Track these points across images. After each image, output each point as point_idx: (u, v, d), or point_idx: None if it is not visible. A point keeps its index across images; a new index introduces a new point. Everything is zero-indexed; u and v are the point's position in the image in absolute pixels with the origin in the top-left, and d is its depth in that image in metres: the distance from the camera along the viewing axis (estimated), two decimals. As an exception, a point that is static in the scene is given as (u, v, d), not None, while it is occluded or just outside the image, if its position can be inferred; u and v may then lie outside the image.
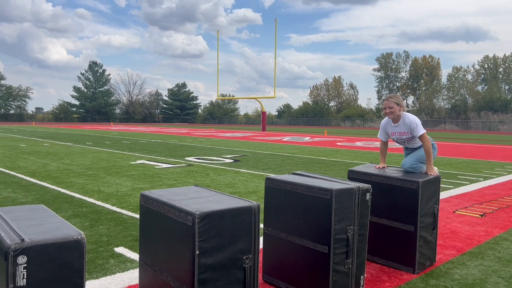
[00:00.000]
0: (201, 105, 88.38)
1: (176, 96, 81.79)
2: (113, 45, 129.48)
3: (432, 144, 3.86)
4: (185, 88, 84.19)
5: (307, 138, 24.55)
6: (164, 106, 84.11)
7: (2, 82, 71.88)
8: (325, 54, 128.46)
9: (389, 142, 4.20)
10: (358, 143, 20.33)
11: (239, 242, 2.19)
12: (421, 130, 3.73)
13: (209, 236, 2.08)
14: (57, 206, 5.61)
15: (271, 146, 17.80)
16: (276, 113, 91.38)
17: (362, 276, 2.95)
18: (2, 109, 71.58)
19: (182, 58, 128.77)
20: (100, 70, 77.88)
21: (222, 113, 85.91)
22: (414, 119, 3.77)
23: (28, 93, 74.22)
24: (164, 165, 10.19)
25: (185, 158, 11.90)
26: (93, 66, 77.74)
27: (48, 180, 7.70)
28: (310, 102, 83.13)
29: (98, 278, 3.25)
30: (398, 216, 3.51)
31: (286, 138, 24.36)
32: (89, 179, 7.90)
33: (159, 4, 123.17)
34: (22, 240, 1.52)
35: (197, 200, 2.30)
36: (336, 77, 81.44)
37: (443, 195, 6.72)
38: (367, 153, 14.63)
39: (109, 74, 79.36)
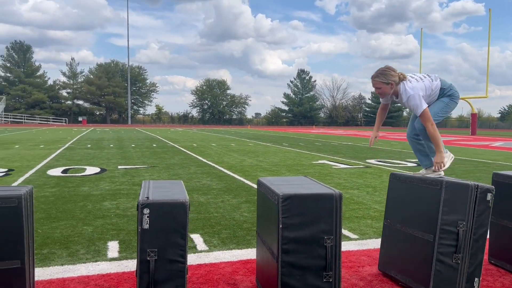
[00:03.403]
0: (406, 108, 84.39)
1: (379, 99, 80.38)
2: (322, 52, 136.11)
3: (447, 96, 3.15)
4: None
5: (526, 144, 20.98)
6: (367, 109, 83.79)
7: (228, 91, 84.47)
8: None
9: None
10: None
11: (321, 223, 2.53)
12: (420, 108, 2.96)
13: (291, 214, 2.49)
14: (236, 193, 6.73)
15: (471, 151, 16.05)
16: (499, 115, 79.78)
17: (477, 279, 2.83)
18: (227, 115, 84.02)
19: (390, 60, 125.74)
20: (307, 77, 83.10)
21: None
22: (411, 98, 3.01)
23: (247, 100, 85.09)
24: (342, 166, 10.61)
25: (366, 160, 12.02)
26: (301, 73, 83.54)
27: (239, 173, 9.11)
28: (544, 101, 69.49)
29: (241, 249, 3.99)
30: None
31: (497, 144, 21.37)
32: (271, 174, 8.99)
33: (368, 7, 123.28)
34: (147, 198, 2.28)
35: (292, 186, 2.73)
36: None
37: None
38: None
39: (315, 81, 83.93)
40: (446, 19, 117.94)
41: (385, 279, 3.30)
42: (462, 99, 34.24)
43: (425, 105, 3.07)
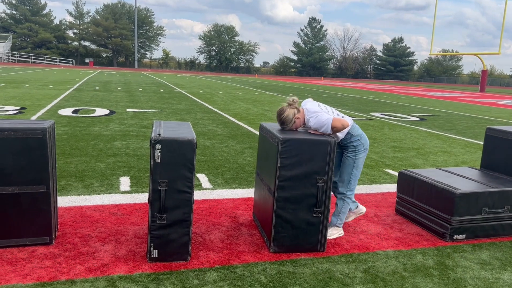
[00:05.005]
0: (417, 62, 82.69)
1: (391, 52, 78.72)
2: (336, 0, 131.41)
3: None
4: (402, 43, 79.96)
5: (533, 103, 20.89)
6: (377, 62, 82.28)
7: (236, 38, 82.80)
8: None
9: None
10: None
11: (314, 165, 2.79)
12: (328, 121, 2.89)
13: (289, 155, 2.75)
14: (240, 139, 7.01)
15: (476, 108, 16.11)
16: (511, 72, 78.30)
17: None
18: (235, 62, 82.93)
19: (405, 11, 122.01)
20: (318, 26, 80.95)
21: (441, 71, 78.78)
22: (315, 121, 2.92)
23: (255, 48, 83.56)
24: (346, 117, 10.80)
25: (370, 113, 12.18)
26: (312, 22, 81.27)
27: (244, 121, 9.36)
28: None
29: (243, 188, 4.31)
30: None
31: (503, 101, 21.30)
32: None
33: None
34: (159, 135, 2.54)
35: (296, 132, 2.96)
36: None
37: None
38: None
39: (326, 30, 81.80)
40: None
41: (373, 219, 3.63)
42: (474, 54, 33.65)
43: (331, 116, 2.95)
